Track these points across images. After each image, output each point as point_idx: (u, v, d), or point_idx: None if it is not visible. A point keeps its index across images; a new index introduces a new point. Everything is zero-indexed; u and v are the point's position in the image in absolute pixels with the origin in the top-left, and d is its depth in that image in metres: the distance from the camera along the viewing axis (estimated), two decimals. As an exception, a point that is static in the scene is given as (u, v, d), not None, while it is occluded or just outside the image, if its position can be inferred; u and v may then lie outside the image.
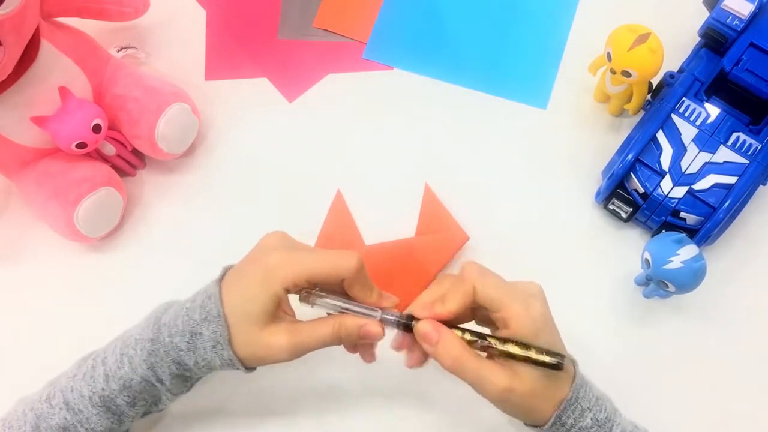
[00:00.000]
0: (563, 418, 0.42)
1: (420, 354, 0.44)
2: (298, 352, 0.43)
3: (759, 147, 0.54)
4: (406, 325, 0.43)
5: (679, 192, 0.54)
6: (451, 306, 0.42)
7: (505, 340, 0.41)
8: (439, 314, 0.42)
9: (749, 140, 0.54)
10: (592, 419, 0.42)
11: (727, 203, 0.52)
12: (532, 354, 0.41)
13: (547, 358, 0.41)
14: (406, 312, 0.43)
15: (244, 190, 0.61)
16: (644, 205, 0.55)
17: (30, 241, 0.59)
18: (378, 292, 0.44)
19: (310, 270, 0.42)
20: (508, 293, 0.42)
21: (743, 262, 0.56)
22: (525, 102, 0.63)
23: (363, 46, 0.65)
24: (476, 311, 0.44)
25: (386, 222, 0.58)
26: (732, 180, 0.53)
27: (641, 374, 0.53)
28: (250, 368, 0.45)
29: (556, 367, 0.41)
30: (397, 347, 0.45)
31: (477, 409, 0.48)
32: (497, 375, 0.41)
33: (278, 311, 0.44)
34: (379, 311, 0.43)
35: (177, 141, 0.58)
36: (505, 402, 0.42)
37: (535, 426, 0.43)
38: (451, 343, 0.41)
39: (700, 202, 0.53)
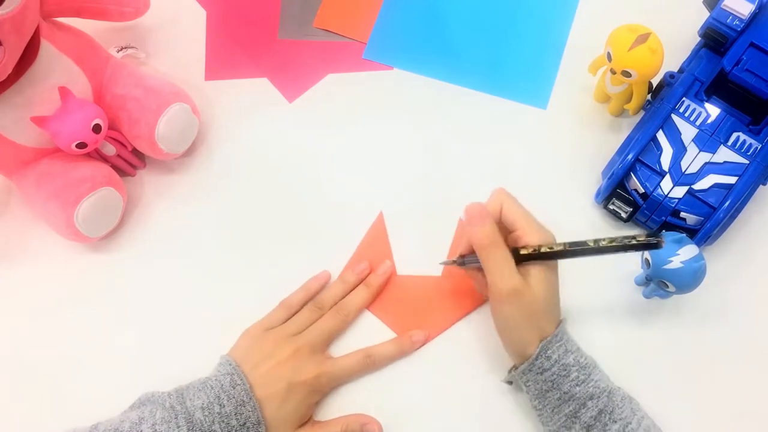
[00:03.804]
0: (549, 352, 0.46)
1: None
2: None
3: (759, 147, 0.54)
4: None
5: (679, 192, 0.54)
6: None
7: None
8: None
9: (749, 140, 0.54)
10: (574, 359, 0.47)
11: (727, 203, 0.52)
12: (613, 241, 0.44)
13: (645, 239, 0.43)
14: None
15: (243, 190, 0.61)
16: (644, 205, 0.55)
17: (30, 241, 0.59)
18: None
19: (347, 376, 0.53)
20: (527, 217, 0.48)
21: (743, 262, 0.56)
22: (525, 102, 0.63)
23: (363, 46, 0.65)
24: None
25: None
26: (732, 180, 0.53)
27: (641, 374, 0.53)
28: None
29: (656, 244, 0.42)
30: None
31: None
32: (514, 276, 0.46)
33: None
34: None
35: (177, 141, 0.58)
36: (504, 305, 0.47)
37: (522, 362, 0.48)
38: (490, 227, 0.47)
39: (700, 202, 0.53)
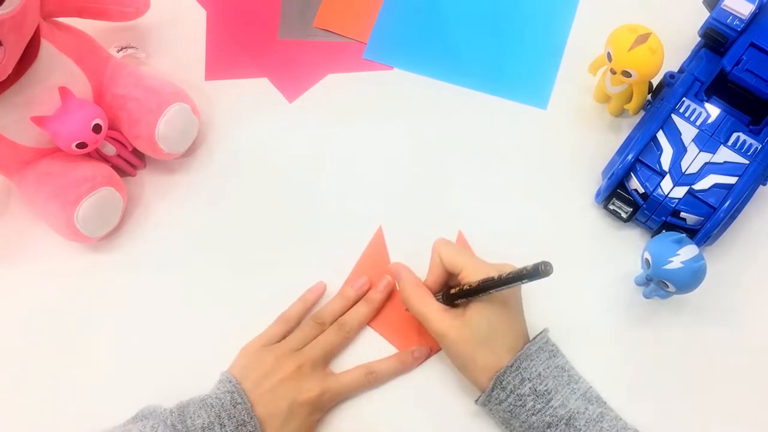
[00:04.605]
0: (504, 383, 0.47)
1: None
2: None
3: (759, 147, 0.54)
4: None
5: (680, 192, 0.54)
6: (430, 277, 0.51)
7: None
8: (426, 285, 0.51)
9: (749, 140, 0.54)
10: (530, 389, 0.46)
11: (728, 203, 0.52)
12: (509, 273, 0.45)
13: (531, 268, 0.43)
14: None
15: (243, 190, 0.61)
16: (644, 206, 0.55)
17: (30, 241, 0.59)
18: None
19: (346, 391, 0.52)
20: (464, 258, 0.50)
21: (743, 263, 0.56)
22: (525, 102, 0.63)
23: (363, 46, 0.65)
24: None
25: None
26: (732, 180, 0.53)
27: (641, 374, 0.53)
28: None
29: (539, 272, 0.42)
30: None
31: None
32: (440, 320, 0.48)
33: None
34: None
35: (177, 141, 0.58)
36: (442, 345, 0.50)
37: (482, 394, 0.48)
38: (404, 283, 0.51)
39: (700, 202, 0.53)
